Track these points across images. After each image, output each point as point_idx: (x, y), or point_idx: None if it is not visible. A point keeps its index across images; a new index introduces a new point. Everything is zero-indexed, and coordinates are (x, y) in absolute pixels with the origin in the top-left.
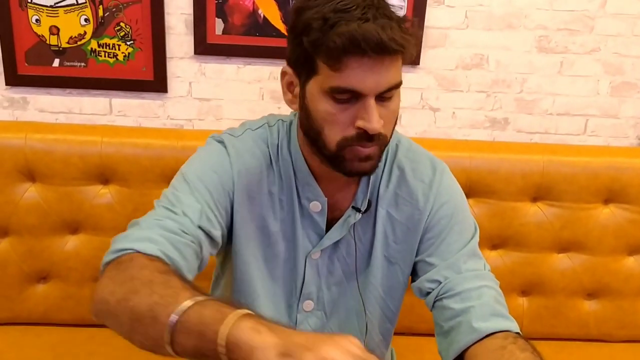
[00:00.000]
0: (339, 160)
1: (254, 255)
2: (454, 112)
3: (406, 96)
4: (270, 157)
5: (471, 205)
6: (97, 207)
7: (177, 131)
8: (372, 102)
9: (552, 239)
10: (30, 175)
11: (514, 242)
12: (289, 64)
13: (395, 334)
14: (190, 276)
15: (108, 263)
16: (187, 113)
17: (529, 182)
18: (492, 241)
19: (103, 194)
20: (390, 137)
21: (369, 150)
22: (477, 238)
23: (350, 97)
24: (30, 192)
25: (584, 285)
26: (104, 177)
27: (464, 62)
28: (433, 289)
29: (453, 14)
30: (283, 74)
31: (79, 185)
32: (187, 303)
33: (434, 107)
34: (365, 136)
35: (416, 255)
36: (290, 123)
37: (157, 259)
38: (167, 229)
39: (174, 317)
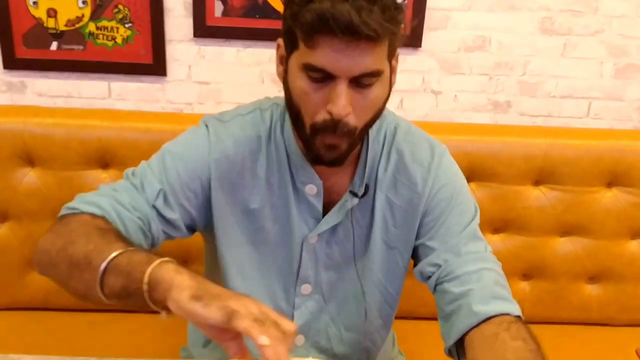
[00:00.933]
0: (310, 144)
1: (240, 240)
2: (456, 95)
3: (407, 79)
4: (260, 142)
5: (473, 189)
6: None
7: (176, 115)
8: (342, 85)
9: (554, 222)
10: (30, 159)
11: (516, 225)
12: (282, 36)
13: (396, 318)
14: None
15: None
16: (187, 97)
17: (531, 166)
18: (494, 225)
19: (103, 178)
20: (366, 128)
21: (334, 139)
22: (477, 220)
23: (323, 77)
24: (29, 177)
25: (587, 269)
26: (104, 161)
27: (466, 44)
28: (433, 273)
29: None
30: (277, 46)
31: (78, 169)
32: (119, 250)
33: (435, 90)
34: (332, 125)
35: (416, 239)
36: (285, 107)
37: (100, 217)
38: (118, 201)
39: (106, 262)
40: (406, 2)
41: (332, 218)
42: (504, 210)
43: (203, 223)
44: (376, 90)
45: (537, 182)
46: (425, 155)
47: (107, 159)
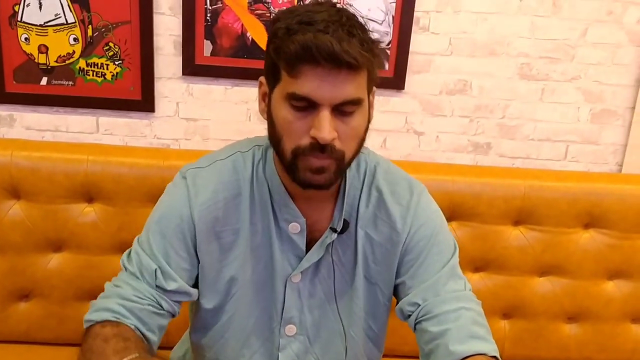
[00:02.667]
0: (293, 169)
1: (224, 286)
2: (437, 136)
3: (391, 120)
4: (242, 185)
5: (454, 228)
6: (81, 225)
7: (162, 150)
8: (326, 112)
9: (534, 262)
10: (15, 192)
11: (496, 265)
12: (264, 74)
13: (390, 356)
14: (154, 335)
15: (87, 328)
16: (174, 133)
17: (510, 206)
18: (475, 264)
19: (88, 212)
20: (353, 155)
21: (322, 162)
22: (456, 257)
23: (306, 105)
24: (14, 209)
25: (565, 309)
26: (89, 195)
27: (448, 87)
28: (413, 312)
29: (437, 41)
30: (260, 84)
31: (63, 203)
32: None
33: (418, 131)
34: (318, 147)
35: (396, 277)
36: (267, 146)
37: (110, 323)
38: (124, 297)
39: None
40: (390, 46)
41: (314, 255)
42: (484, 250)
43: (196, 277)
44: (358, 119)
45: (516, 223)
46: (405, 194)
47: (92, 193)
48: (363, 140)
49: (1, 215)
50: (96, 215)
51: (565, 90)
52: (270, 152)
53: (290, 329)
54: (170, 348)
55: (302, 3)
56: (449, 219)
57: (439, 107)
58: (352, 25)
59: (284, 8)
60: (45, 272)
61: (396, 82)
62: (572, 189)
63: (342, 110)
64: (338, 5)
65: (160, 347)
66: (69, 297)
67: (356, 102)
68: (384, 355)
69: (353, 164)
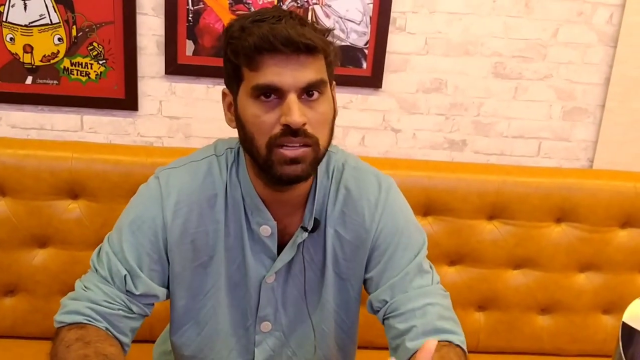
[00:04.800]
0: (269, 165)
1: (198, 286)
2: (414, 134)
3: (369, 118)
4: (216, 187)
5: (430, 222)
6: (66, 221)
7: (146, 148)
8: (292, 97)
9: (507, 255)
10: (1, 189)
11: (471, 258)
12: (226, 84)
13: (358, 347)
14: (125, 337)
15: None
16: (157, 131)
17: (484, 201)
18: (450, 257)
19: (72, 208)
20: (326, 144)
21: (296, 152)
22: (424, 252)
23: (273, 97)
24: (0, 206)
25: (538, 301)
26: (74, 192)
27: (424, 86)
28: (381, 308)
29: (414, 41)
30: (223, 95)
31: (48, 200)
32: None
33: (395, 128)
34: (290, 131)
35: (365, 272)
36: (239, 149)
37: (77, 326)
38: (94, 301)
39: None
40: (368, 46)
41: (286, 255)
42: (459, 244)
43: (168, 277)
44: (324, 104)
45: (490, 217)
46: (373, 190)
47: (77, 190)
48: (332, 130)
49: None
50: (81, 211)
51: (537, 88)
52: (242, 156)
53: (266, 326)
54: (154, 341)
55: (281, 4)
56: (425, 214)
57: (415, 105)
58: (302, 18)
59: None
60: (30, 267)
61: (374, 80)
62: (543, 184)
63: (307, 95)
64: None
65: (144, 341)
66: (53, 292)
67: (319, 84)
68: (362, 347)
69: (323, 164)
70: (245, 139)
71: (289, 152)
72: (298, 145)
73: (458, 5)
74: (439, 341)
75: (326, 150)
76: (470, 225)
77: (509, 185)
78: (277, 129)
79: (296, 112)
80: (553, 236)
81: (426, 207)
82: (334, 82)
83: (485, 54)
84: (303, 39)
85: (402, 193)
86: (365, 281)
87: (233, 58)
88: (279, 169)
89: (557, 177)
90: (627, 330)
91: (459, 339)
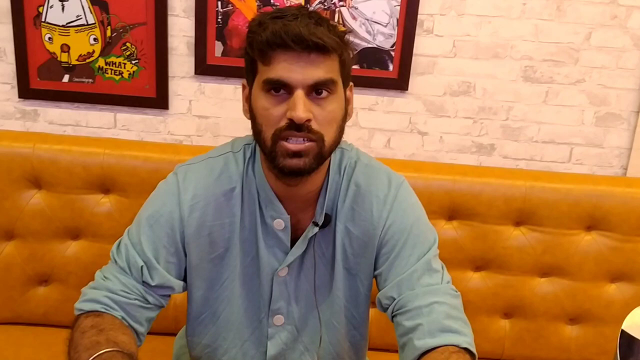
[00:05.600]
0: (273, 157)
1: (213, 278)
2: (441, 137)
3: (395, 120)
4: (233, 181)
5: (454, 227)
6: (97, 215)
7: (174, 146)
8: (299, 92)
9: (534, 263)
10: (37, 182)
11: (496, 264)
12: (245, 77)
13: (374, 349)
14: (141, 326)
15: (76, 315)
16: (187, 129)
17: (511, 207)
18: (475, 263)
19: (103, 202)
20: (333, 142)
21: (299, 146)
22: (434, 251)
23: (282, 91)
24: (35, 198)
25: (566, 310)
26: (105, 187)
27: (452, 89)
28: (389, 305)
29: (441, 43)
30: (243, 87)
31: (81, 193)
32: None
33: (422, 131)
34: (294, 126)
35: (375, 269)
36: (255, 145)
37: (93, 314)
38: (111, 291)
39: None
40: (394, 48)
41: (297, 249)
42: (484, 249)
43: (184, 269)
44: (332, 104)
45: (517, 223)
46: (382, 187)
47: (108, 184)
48: (341, 129)
49: (23, 203)
50: (111, 205)
51: (569, 93)
52: (259, 151)
53: (278, 319)
54: (175, 334)
55: (308, 5)
56: (450, 218)
57: (442, 108)
58: (320, 17)
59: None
60: (63, 258)
61: (400, 83)
62: (573, 191)
63: (316, 93)
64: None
65: (170, 334)
66: (84, 282)
67: (328, 83)
68: (379, 350)
69: (335, 161)
70: (255, 130)
71: (292, 146)
72: (302, 139)
73: (487, 8)
74: (447, 345)
75: (333, 148)
76: (496, 230)
77: (536, 190)
78: (283, 122)
79: (301, 107)
80: (582, 244)
81: (451, 211)
82: (351, 84)
83: (515, 57)
84: (314, 37)
85: (427, 196)
86: (375, 278)
87: (250, 51)
88: (281, 160)
89: (588, 184)
90: (626, 339)
91: (466, 340)
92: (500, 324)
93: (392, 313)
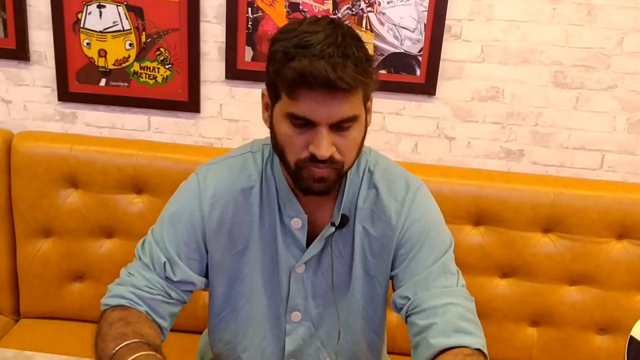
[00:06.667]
0: (298, 178)
1: (233, 274)
2: (469, 142)
3: (422, 125)
4: (252, 180)
5: (481, 232)
6: (130, 214)
7: (205, 148)
8: (323, 131)
9: (563, 270)
10: (73, 182)
11: (524, 272)
12: (266, 87)
13: (394, 353)
14: (164, 321)
15: (102, 310)
16: (218, 132)
17: (538, 213)
18: (502, 270)
19: (136, 202)
20: (352, 163)
21: (323, 172)
22: (450, 254)
23: (305, 123)
24: (72, 197)
25: (595, 320)
26: (138, 187)
27: (480, 94)
28: (404, 305)
29: (469, 48)
30: (262, 95)
31: (115, 193)
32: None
33: (449, 136)
34: (317, 160)
35: (391, 270)
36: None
37: (120, 307)
38: (136, 286)
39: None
40: (422, 53)
41: (314, 247)
42: (512, 256)
43: (206, 266)
44: (354, 132)
45: (545, 230)
46: (401, 190)
47: (141, 185)
48: (361, 147)
49: (60, 202)
50: (143, 205)
51: (600, 99)
52: None
53: (296, 316)
54: (201, 332)
55: (336, 12)
56: (477, 223)
57: (470, 113)
58: (347, 44)
59: (284, 26)
60: (97, 256)
61: (427, 88)
62: (604, 199)
63: (339, 126)
64: (336, 20)
65: (195, 332)
66: None
67: (352, 119)
68: (398, 354)
69: (354, 165)
70: (277, 146)
71: (317, 171)
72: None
73: (516, 12)
74: (460, 347)
75: (351, 166)
76: (523, 237)
77: (565, 197)
78: (305, 154)
79: (324, 145)
80: (613, 253)
81: (477, 217)
82: (371, 96)
83: (544, 62)
84: (340, 82)
85: (453, 202)
86: (391, 279)
87: (274, 77)
88: (305, 182)
89: (619, 191)
90: (635, 345)
91: (480, 342)
92: (527, 332)
93: (406, 313)
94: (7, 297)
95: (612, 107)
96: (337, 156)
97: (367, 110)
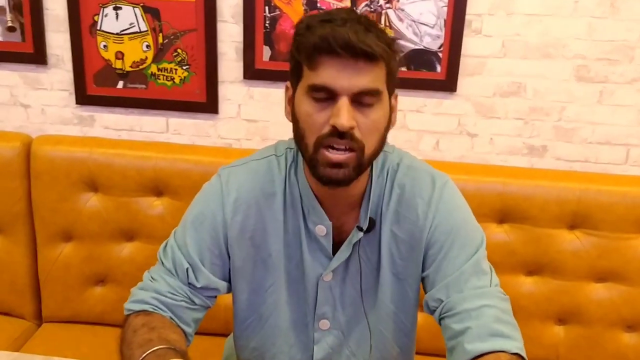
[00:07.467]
0: (314, 164)
1: (258, 282)
2: (491, 138)
3: (443, 122)
4: (275, 186)
5: (505, 230)
6: (150, 217)
7: (224, 149)
8: (344, 100)
9: (589, 268)
10: (93, 185)
11: (550, 269)
12: (289, 79)
13: (424, 354)
14: (189, 327)
15: (126, 315)
16: (236, 133)
17: (564, 210)
18: (527, 267)
19: (156, 205)
20: (373, 152)
21: (340, 157)
22: (482, 252)
23: (326, 96)
24: (92, 201)
25: (623, 317)
26: (158, 189)
27: (502, 89)
28: (437, 308)
29: (490, 43)
30: (286, 89)
31: (135, 196)
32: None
33: (471, 132)
34: (337, 134)
35: (422, 271)
36: (298, 150)
37: (144, 313)
38: (159, 292)
39: None
40: (442, 49)
41: (342, 254)
42: (537, 253)
43: (229, 270)
44: (377, 113)
45: (571, 227)
46: (426, 188)
47: (161, 187)
48: (384, 138)
49: (81, 206)
50: (164, 208)
51: (625, 92)
52: (300, 156)
53: (324, 324)
54: (225, 335)
55: (355, 8)
56: (501, 221)
57: (492, 109)
58: (369, 23)
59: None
60: (118, 259)
61: (448, 84)
62: (630, 194)
63: (361, 101)
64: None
65: (219, 334)
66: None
67: (374, 93)
68: (428, 354)
69: (377, 165)
70: (297, 135)
71: (333, 157)
72: (344, 148)
73: (537, 6)
74: (497, 352)
75: (373, 158)
76: (549, 234)
77: (591, 193)
78: (326, 129)
79: (345, 115)
80: None
81: (502, 214)
82: (395, 93)
83: (567, 56)
84: (363, 45)
85: (477, 199)
86: (422, 280)
87: (296, 54)
88: (321, 170)
89: None
90: None
91: (517, 345)
92: (554, 330)
93: (439, 315)
94: (29, 301)
95: (637, 100)
96: (358, 134)
97: (392, 108)
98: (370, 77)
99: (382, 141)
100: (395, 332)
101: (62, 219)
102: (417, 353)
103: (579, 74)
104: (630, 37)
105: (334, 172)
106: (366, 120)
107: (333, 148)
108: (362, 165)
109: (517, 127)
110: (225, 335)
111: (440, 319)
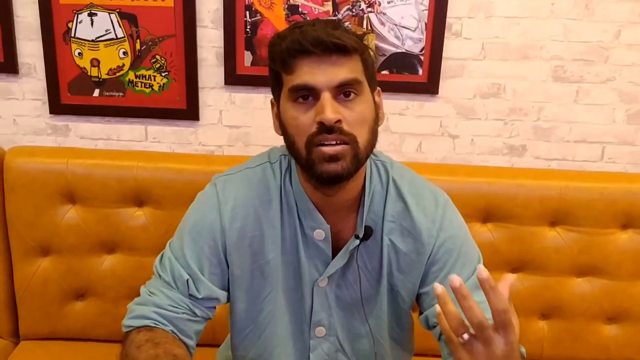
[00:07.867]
0: (310, 165)
1: (255, 289)
2: (472, 139)
3: (425, 124)
4: (271, 193)
5: (490, 229)
6: (132, 228)
7: (207, 157)
8: (326, 95)
9: (571, 263)
10: (71, 197)
11: (533, 266)
12: (272, 94)
13: (421, 355)
14: (190, 339)
15: (125, 332)
16: (218, 140)
17: (546, 208)
18: (511, 265)
19: (138, 215)
20: (367, 144)
21: (335, 149)
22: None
23: (309, 98)
24: (70, 213)
25: (604, 310)
26: (139, 200)
27: (482, 91)
28: (437, 324)
29: (470, 46)
30: (272, 105)
31: (115, 207)
32: None
33: (453, 134)
34: (325, 129)
35: (420, 287)
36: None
37: (145, 328)
38: (159, 306)
39: None
40: (423, 52)
41: (339, 260)
42: (521, 251)
43: (227, 280)
44: (361, 104)
45: (552, 224)
46: (430, 205)
47: (142, 197)
48: (374, 131)
49: (58, 219)
50: (146, 218)
51: (599, 91)
52: (294, 163)
53: (320, 331)
54: (216, 345)
55: (337, 13)
56: (485, 220)
57: (473, 111)
58: (337, 23)
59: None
60: (99, 272)
61: (430, 87)
62: (608, 190)
63: (344, 95)
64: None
65: (207, 345)
66: (121, 296)
67: (354, 83)
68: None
69: (374, 173)
70: (288, 143)
71: (328, 150)
72: (335, 142)
73: (515, 9)
74: None
75: (369, 150)
76: (531, 232)
77: (571, 190)
78: (314, 128)
79: (329, 109)
80: (619, 243)
81: (486, 214)
82: (378, 88)
83: (544, 57)
84: (332, 38)
85: (461, 199)
86: (419, 296)
87: (272, 65)
88: (319, 167)
89: (623, 182)
90: None
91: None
92: (538, 325)
93: (440, 332)
94: (5, 319)
95: (611, 99)
96: (346, 127)
97: (377, 104)
98: (346, 69)
99: (374, 134)
100: (390, 342)
101: (38, 233)
102: (416, 354)
103: (556, 74)
104: (604, 38)
105: (332, 166)
106: (352, 113)
107: (325, 145)
108: (359, 157)
109: (497, 128)
110: (214, 345)
111: (440, 335)
